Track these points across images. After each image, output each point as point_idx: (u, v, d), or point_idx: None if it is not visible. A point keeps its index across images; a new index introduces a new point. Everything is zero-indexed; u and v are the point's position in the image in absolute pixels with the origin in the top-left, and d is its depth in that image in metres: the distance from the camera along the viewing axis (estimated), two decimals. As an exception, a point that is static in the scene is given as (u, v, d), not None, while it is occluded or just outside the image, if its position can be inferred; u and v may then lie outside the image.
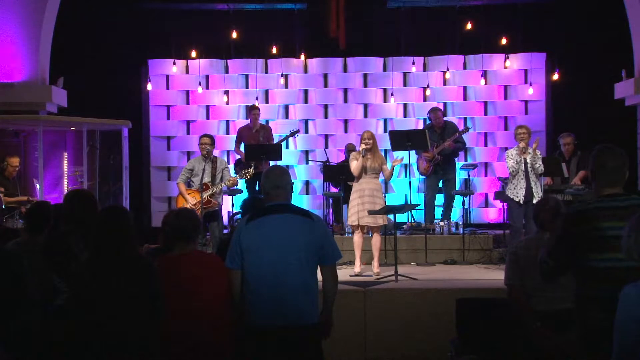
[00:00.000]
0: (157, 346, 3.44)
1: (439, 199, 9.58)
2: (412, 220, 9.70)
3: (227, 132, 11.31)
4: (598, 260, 3.16)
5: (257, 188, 9.07)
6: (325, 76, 11.35)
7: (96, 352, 3.32)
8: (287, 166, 10.68)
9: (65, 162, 9.82)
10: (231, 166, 10.26)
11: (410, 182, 8.84)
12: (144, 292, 3.39)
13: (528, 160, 7.66)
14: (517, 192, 7.70)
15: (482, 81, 11.03)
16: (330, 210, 9.76)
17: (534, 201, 7.55)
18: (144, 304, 3.39)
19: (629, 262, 2.77)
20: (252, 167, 8.39)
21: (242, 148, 9.52)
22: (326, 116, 11.31)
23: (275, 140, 9.80)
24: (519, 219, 7.78)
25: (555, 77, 10.51)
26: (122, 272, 3.38)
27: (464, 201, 9.60)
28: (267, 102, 11.21)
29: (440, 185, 9.43)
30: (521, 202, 7.66)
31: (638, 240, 2.68)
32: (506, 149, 9.62)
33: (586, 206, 3.30)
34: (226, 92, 11.00)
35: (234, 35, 10.68)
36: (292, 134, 9.84)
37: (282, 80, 11.05)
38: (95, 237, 3.47)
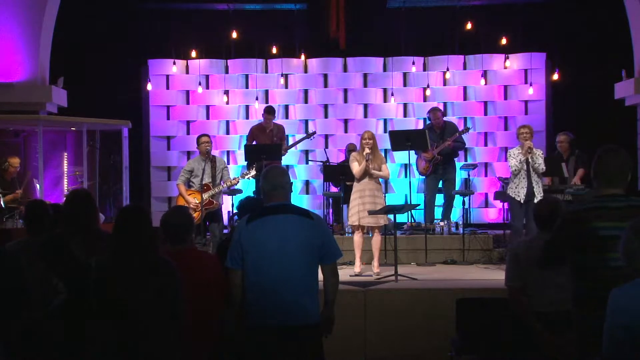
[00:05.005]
0: (178, 348, 3.42)
1: (439, 199, 9.58)
2: (412, 220, 9.70)
3: (227, 132, 11.32)
4: (591, 260, 3.19)
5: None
6: (325, 76, 11.35)
7: (116, 354, 3.30)
8: (287, 166, 10.69)
9: (65, 162, 9.82)
10: (232, 166, 10.27)
11: (410, 182, 8.84)
12: (164, 293, 3.36)
13: (530, 160, 7.68)
14: (518, 192, 7.71)
15: (482, 81, 11.03)
16: (330, 210, 9.76)
17: (535, 201, 7.56)
18: (165, 305, 3.37)
19: (620, 262, 2.80)
20: (254, 169, 8.39)
21: None
22: (326, 116, 11.31)
23: (289, 142, 9.82)
24: (520, 219, 7.79)
25: (555, 77, 10.51)
26: (142, 273, 3.35)
27: (464, 201, 9.60)
28: (267, 102, 11.19)
29: (440, 185, 9.42)
30: (522, 201, 7.68)
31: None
32: (506, 149, 9.63)
33: (582, 206, 3.34)
34: (226, 92, 11.01)
35: (234, 35, 10.68)
36: (309, 136, 9.85)
37: (282, 80, 11.05)
38: (115, 237, 3.44)
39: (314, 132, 10.00)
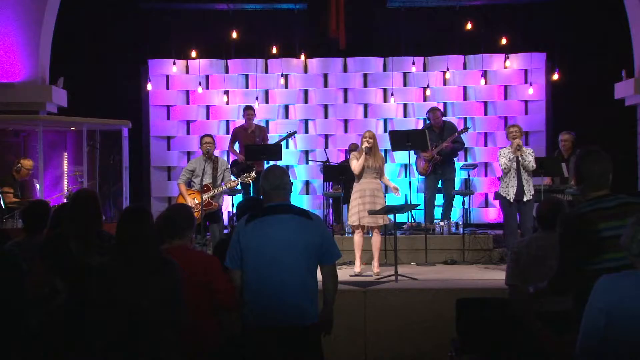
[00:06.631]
0: (178, 347, 3.42)
1: (439, 199, 9.58)
2: (412, 220, 9.70)
3: (227, 132, 11.30)
4: (596, 263, 3.20)
5: (251, 189, 9.03)
6: (325, 76, 11.35)
7: (116, 354, 3.30)
8: (287, 166, 10.69)
9: (65, 162, 9.82)
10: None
11: (410, 182, 8.84)
12: (166, 294, 3.36)
13: (520, 158, 7.70)
14: (508, 191, 7.75)
15: (482, 81, 11.03)
16: (330, 210, 9.75)
17: (525, 199, 7.63)
18: (166, 306, 3.36)
19: (625, 261, 2.83)
20: (254, 171, 8.37)
21: (236, 148, 9.52)
22: (326, 116, 11.31)
23: (272, 141, 9.78)
24: (514, 218, 7.82)
25: (555, 77, 10.51)
26: (145, 272, 3.34)
27: (464, 201, 9.60)
28: (267, 102, 11.21)
29: (439, 185, 9.42)
30: (512, 200, 7.70)
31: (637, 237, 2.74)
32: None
33: (581, 210, 3.35)
34: (226, 92, 11.01)
35: (234, 35, 10.69)
36: (290, 135, 9.80)
37: (282, 80, 11.05)
38: (118, 237, 3.44)
39: (294, 132, 9.93)
